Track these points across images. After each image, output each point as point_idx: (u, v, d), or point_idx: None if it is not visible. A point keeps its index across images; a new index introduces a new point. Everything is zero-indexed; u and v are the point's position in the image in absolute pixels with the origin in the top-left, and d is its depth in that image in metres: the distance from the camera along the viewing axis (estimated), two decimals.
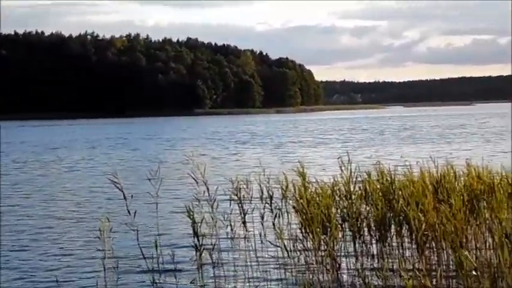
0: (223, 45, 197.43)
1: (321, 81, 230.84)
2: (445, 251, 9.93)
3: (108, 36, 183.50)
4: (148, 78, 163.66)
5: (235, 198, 12.31)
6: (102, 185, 22.43)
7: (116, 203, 17.74)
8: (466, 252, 8.30)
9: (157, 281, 9.93)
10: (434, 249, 10.05)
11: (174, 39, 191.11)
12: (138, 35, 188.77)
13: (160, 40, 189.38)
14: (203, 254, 10.86)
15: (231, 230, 11.94)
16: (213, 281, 10.48)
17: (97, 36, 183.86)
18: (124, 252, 12.38)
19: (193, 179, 11.55)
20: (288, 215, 12.31)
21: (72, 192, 22.11)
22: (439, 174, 11.27)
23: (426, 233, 9.62)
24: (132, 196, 10.99)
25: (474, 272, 7.98)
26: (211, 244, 11.29)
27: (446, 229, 9.16)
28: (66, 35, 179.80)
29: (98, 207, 18.34)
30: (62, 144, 52.40)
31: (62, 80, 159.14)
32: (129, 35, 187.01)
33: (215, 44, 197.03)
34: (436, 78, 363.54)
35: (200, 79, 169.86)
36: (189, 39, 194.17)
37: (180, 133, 69.13)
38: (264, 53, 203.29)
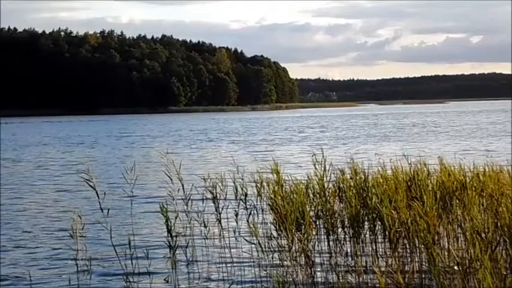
0: (198, 42, 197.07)
1: (296, 79, 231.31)
2: (417, 248, 10.02)
3: (81, 33, 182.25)
4: (122, 75, 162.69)
5: (210, 196, 12.30)
6: (74, 183, 22.25)
7: (89, 201, 17.61)
8: (438, 249, 8.37)
9: (131, 280, 9.88)
10: (407, 246, 10.13)
11: (149, 36, 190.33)
12: (112, 31, 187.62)
13: (135, 37, 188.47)
14: (177, 252, 10.85)
15: (205, 228, 11.93)
16: (187, 279, 10.46)
17: (70, 32, 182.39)
18: (97, 250, 12.30)
19: (168, 176, 11.52)
20: (262, 213, 12.33)
21: (41, 191, 21.85)
22: (412, 172, 11.37)
23: (399, 230, 9.69)
24: (105, 194, 10.92)
25: (446, 269, 8.06)
26: (186, 242, 11.28)
27: (419, 226, 9.23)
28: (39, 31, 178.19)
29: (70, 205, 18.16)
30: (32, 142, 51.92)
31: (35, 76, 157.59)
32: (102, 32, 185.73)
33: (190, 41, 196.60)
34: (410, 76, 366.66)
35: (175, 76, 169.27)
36: (163, 36, 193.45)
37: (153, 131, 68.86)
38: (239, 51, 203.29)
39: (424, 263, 9.80)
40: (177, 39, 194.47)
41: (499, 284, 6.49)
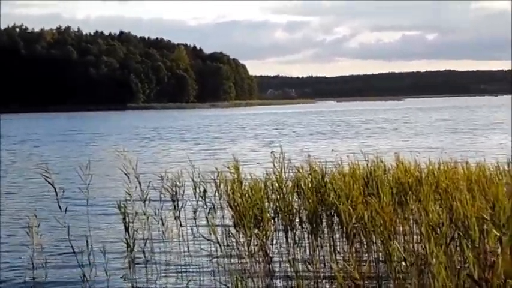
0: (157, 39, 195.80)
1: (255, 76, 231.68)
2: (374, 243, 10.14)
3: (37, 29, 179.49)
4: (79, 71, 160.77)
5: (168, 193, 12.25)
6: (28, 180, 21.92)
7: (46, 198, 17.37)
8: (395, 244, 8.48)
9: (88, 277, 9.79)
10: (364, 242, 10.25)
11: (106, 33, 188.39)
12: (68, 27, 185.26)
13: (92, 33, 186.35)
14: (135, 250, 10.79)
15: (163, 225, 11.88)
16: (145, 276, 10.41)
17: (26, 29, 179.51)
18: (54, 247, 12.17)
19: (125, 174, 11.44)
20: (221, 210, 12.33)
21: None
22: (368, 168, 11.50)
23: (356, 225, 9.79)
24: (64, 191, 10.79)
25: (402, 263, 8.17)
26: (144, 240, 11.22)
27: (376, 222, 9.34)
28: None
29: (27, 202, 17.92)
30: None
31: None
32: (59, 28, 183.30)
33: (148, 38, 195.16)
34: (368, 74, 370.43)
35: (133, 73, 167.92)
36: (121, 32, 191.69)
37: (111, 128, 68.21)
38: (198, 48, 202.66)
39: (380, 258, 9.93)
40: (135, 36, 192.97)
41: (453, 278, 6.61)
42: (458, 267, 7.12)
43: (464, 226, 8.34)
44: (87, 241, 10.26)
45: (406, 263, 8.18)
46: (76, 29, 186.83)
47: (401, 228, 10.59)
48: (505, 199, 7.89)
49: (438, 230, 8.19)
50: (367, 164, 11.58)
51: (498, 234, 7.08)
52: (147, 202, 11.53)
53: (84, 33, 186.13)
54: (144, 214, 11.36)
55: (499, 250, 6.94)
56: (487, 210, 7.81)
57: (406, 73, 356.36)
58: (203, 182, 12.55)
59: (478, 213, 8.13)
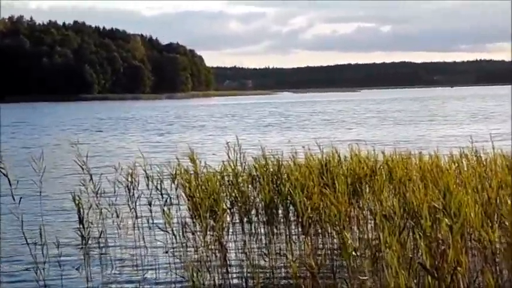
0: (112, 29, 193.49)
1: (212, 67, 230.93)
2: (329, 233, 10.24)
3: None
4: (32, 62, 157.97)
5: (123, 185, 12.16)
6: None
7: None
8: (349, 234, 8.58)
9: (42, 269, 9.66)
10: (319, 231, 10.35)
11: (60, 23, 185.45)
12: (21, 17, 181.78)
13: (45, 23, 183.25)
14: (89, 242, 10.68)
15: (118, 217, 11.80)
16: (100, 268, 10.33)
17: None
18: (7, 239, 11.98)
19: (80, 166, 11.31)
20: (178, 201, 12.29)
21: None
22: (324, 159, 11.59)
23: (311, 216, 9.87)
24: (18, 182, 10.62)
25: (356, 252, 8.28)
26: (98, 231, 11.13)
27: (331, 212, 9.43)
28: None
29: None
30: None
31: None
32: (11, 17, 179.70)
33: (103, 28, 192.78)
34: (324, 65, 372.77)
35: (88, 63, 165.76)
36: (75, 22, 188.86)
37: (64, 119, 67.27)
38: (154, 38, 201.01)
39: (335, 247, 10.04)
40: (90, 26, 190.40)
41: (405, 266, 6.72)
42: (411, 255, 7.24)
43: (417, 215, 8.48)
44: (40, 233, 10.12)
45: (360, 252, 8.29)
46: (29, 19, 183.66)
47: (356, 218, 10.72)
48: (456, 188, 8.05)
49: (392, 219, 8.31)
50: (322, 155, 11.67)
51: (449, 223, 7.22)
52: (102, 194, 11.42)
53: (37, 22, 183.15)
54: (98, 207, 11.26)
55: (450, 239, 7.08)
56: (438, 200, 7.95)
57: (362, 64, 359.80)
58: (159, 173, 12.48)
59: (430, 203, 8.27)
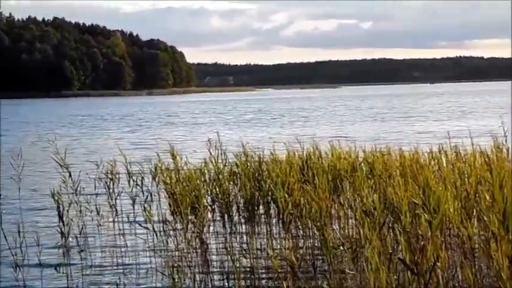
0: (92, 25, 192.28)
1: (193, 64, 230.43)
2: (310, 229, 10.26)
3: None
4: (11, 58, 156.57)
5: (103, 182, 12.10)
6: None
7: None
8: (330, 230, 8.61)
9: (21, 266, 9.58)
10: (300, 228, 10.37)
11: (39, 19, 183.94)
12: (0, 13, 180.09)
13: (24, 19, 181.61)
14: (69, 240, 10.62)
15: (98, 215, 11.74)
16: (80, 266, 10.26)
17: None
18: None
19: (58, 163, 11.23)
20: (158, 198, 12.25)
21: None
22: (305, 155, 11.61)
23: (292, 212, 9.89)
24: None
25: (337, 248, 8.31)
26: (79, 230, 11.06)
27: (312, 208, 9.46)
28: None
29: None
30: None
31: None
32: None
33: (83, 24, 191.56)
34: (305, 62, 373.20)
35: (67, 60, 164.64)
36: (55, 18, 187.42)
37: (44, 115, 66.78)
38: (135, 34, 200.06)
39: (316, 244, 10.06)
40: (69, 22, 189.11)
41: (385, 261, 6.75)
42: (391, 251, 7.27)
43: (397, 211, 8.52)
44: (19, 230, 10.04)
45: (341, 247, 8.32)
46: (8, 15, 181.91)
47: (336, 214, 10.75)
48: (435, 184, 8.10)
49: (372, 215, 8.35)
50: (302, 151, 11.69)
51: (428, 219, 7.27)
52: (82, 191, 11.36)
53: (16, 18, 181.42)
54: (77, 204, 11.19)
55: (429, 234, 7.13)
56: (418, 196, 7.99)
57: (342, 61, 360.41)
58: (140, 170, 12.43)
59: (409, 199, 8.32)
